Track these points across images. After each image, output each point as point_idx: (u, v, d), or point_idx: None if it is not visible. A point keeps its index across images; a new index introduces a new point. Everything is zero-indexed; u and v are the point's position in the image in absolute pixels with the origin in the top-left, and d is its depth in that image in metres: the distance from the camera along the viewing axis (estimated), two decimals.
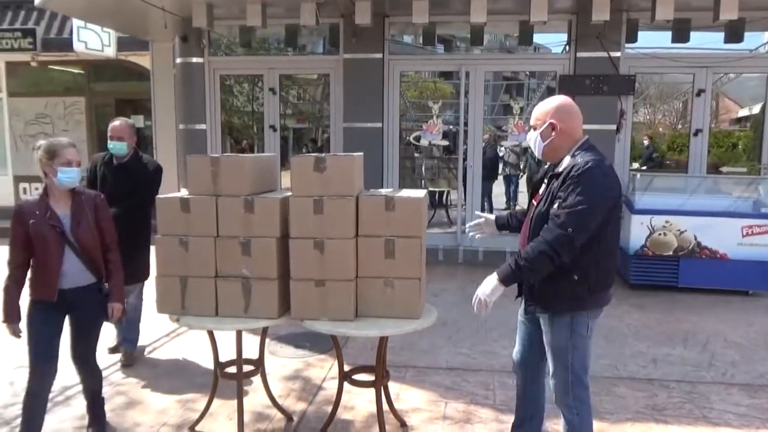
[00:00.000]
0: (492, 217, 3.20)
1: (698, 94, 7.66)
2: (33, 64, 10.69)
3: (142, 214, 4.45)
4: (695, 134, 7.73)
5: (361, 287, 3.10)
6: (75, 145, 3.18)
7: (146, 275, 4.59)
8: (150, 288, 4.11)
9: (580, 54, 7.60)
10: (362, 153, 3.44)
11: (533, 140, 2.74)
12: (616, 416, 3.74)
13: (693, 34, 7.29)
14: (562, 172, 2.57)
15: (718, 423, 3.67)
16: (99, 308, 3.24)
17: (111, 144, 4.40)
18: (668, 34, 7.46)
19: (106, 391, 4.01)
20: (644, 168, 11.82)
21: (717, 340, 5.12)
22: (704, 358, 4.72)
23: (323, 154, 3.12)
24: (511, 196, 12.35)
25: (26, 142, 11.23)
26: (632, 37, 7.54)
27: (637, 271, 6.68)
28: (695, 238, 6.49)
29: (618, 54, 7.51)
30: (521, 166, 11.64)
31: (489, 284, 2.63)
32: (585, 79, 7.54)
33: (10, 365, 4.62)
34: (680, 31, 7.23)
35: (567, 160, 2.61)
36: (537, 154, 2.78)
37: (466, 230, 3.27)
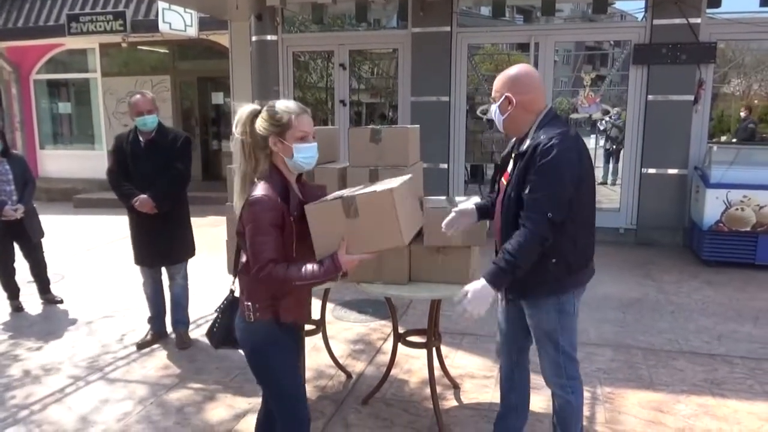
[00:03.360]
0: (469, 206, 2.84)
1: None
2: (123, 45, 11.41)
3: (181, 190, 4.35)
4: None
5: (414, 253, 3.25)
6: (308, 110, 2.30)
7: (193, 252, 4.55)
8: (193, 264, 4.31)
9: (656, 21, 7.30)
10: (418, 125, 3.56)
11: (493, 113, 2.62)
12: (671, 388, 3.73)
13: None
14: (526, 151, 2.42)
15: None
16: None
17: (141, 119, 4.14)
18: None
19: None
20: (734, 141, 11.11)
21: None
22: None
23: (379, 126, 3.27)
24: (610, 172, 11.91)
25: (118, 119, 12.07)
26: (715, 2, 7.14)
27: (710, 247, 6.46)
28: None
29: (698, 20, 7.15)
30: (621, 140, 11.17)
31: (478, 293, 2.37)
32: (661, 47, 7.25)
33: (92, 315, 5.11)
34: None
35: (531, 136, 2.47)
36: (499, 128, 2.64)
37: (443, 229, 2.81)
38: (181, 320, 4.56)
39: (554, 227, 2.34)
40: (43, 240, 5.46)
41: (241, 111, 2.24)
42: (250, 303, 2.26)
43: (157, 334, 4.57)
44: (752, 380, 3.85)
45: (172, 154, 4.23)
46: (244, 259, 2.30)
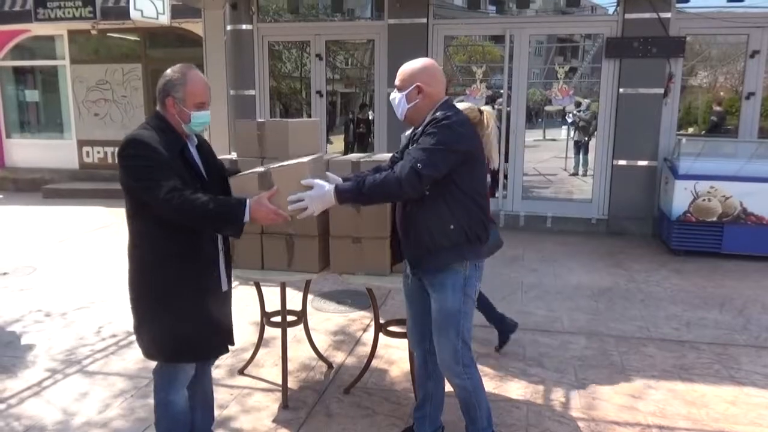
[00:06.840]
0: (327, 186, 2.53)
1: (752, 56, 7.42)
2: (93, 32, 11.16)
3: None
4: (747, 98, 7.52)
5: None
6: None
7: None
8: None
9: (628, 15, 7.45)
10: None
11: (397, 101, 2.68)
12: (642, 374, 3.86)
13: None
14: (423, 127, 2.57)
15: (744, 383, 3.75)
16: None
17: (203, 115, 2.50)
18: None
19: None
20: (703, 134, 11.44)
21: (754, 306, 5.13)
22: (739, 322, 4.76)
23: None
24: (581, 163, 12.16)
25: (88, 108, 11.83)
26: None
27: (679, 237, 6.65)
28: (741, 204, 6.41)
29: (668, 15, 7.31)
30: (591, 131, 11.40)
31: (322, 196, 2.47)
32: (633, 41, 7.40)
33: (67, 307, 5.05)
34: None
35: (427, 120, 2.59)
36: (399, 116, 2.71)
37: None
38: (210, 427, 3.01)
39: (417, 179, 2.44)
40: (8, 232, 5.31)
41: None
42: None
43: None
44: (718, 365, 4.01)
45: (213, 160, 2.77)
46: None
